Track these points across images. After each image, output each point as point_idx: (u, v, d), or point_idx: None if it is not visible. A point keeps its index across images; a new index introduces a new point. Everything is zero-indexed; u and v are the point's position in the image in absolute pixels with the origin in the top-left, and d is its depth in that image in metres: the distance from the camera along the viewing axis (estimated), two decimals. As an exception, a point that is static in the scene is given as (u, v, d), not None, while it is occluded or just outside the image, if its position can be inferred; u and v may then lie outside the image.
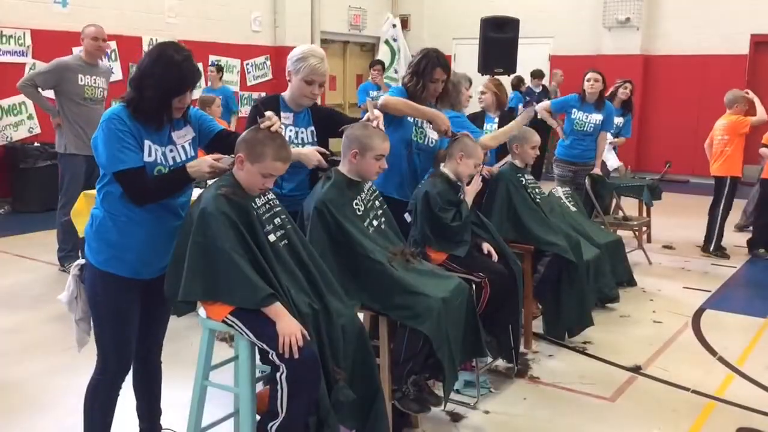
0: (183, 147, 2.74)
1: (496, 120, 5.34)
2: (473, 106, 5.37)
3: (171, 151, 2.70)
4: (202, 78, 7.31)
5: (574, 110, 6.35)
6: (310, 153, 3.24)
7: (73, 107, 5.77)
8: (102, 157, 2.60)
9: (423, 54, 3.94)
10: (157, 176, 2.63)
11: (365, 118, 3.30)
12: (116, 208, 2.64)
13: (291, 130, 3.41)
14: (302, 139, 3.43)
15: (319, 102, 3.63)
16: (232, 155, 2.71)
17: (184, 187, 2.72)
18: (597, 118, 6.30)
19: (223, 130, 2.91)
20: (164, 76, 2.57)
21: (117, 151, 2.55)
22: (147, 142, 2.62)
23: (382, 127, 3.25)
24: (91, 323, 2.82)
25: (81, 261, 2.81)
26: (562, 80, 11.29)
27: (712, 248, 7.03)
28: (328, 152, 3.30)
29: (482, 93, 5.33)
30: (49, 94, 5.99)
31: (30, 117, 8.66)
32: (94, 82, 5.86)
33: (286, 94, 3.47)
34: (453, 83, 4.34)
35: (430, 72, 3.85)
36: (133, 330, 2.77)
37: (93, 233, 2.70)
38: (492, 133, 4.50)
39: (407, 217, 3.74)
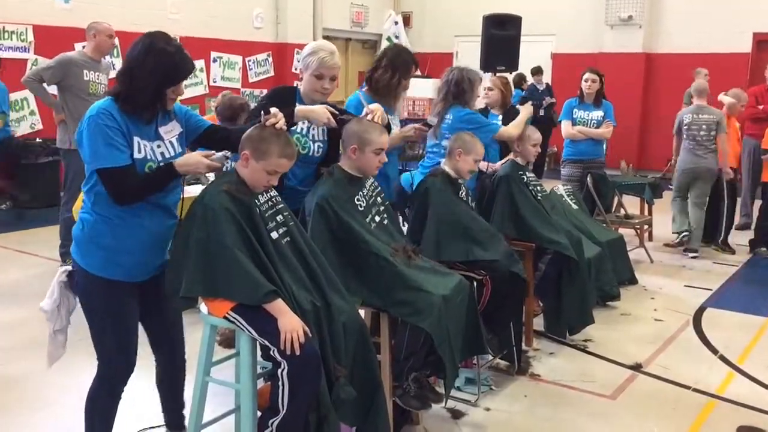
0: (171, 142, 2.67)
1: (500, 117, 5.33)
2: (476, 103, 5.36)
3: (159, 146, 2.62)
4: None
5: (575, 110, 6.43)
6: (319, 110, 3.19)
7: (78, 103, 5.76)
8: (86, 152, 2.51)
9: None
10: (144, 174, 2.54)
11: (363, 113, 3.30)
12: (108, 210, 2.55)
13: (304, 124, 3.40)
14: (313, 135, 3.42)
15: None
16: (224, 152, 2.67)
17: (169, 185, 2.61)
18: (598, 114, 6.38)
19: (211, 125, 2.87)
20: (158, 67, 2.51)
21: (102, 147, 2.47)
22: (136, 139, 2.54)
23: (378, 120, 3.23)
24: (68, 335, 2.77)
25: (68, 267, 2.72)
26: (706, 80, 10.88)
27: (720, 240, 7.04)
28: (336, 111, 3.25)
29: (489, 90, 5.31)
30: (52, 90, 5.99)
31: (32, 113, 8.66)
32: (98, 78, 5.87)
33: (302, 89, 3.47)
34: (469, 81, 4.35)
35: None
36: (133, 332, 2.70)
37: (84, 237, 2.60)
38: (512, 123, 4.54)
39: (407, 212, 3.74)
